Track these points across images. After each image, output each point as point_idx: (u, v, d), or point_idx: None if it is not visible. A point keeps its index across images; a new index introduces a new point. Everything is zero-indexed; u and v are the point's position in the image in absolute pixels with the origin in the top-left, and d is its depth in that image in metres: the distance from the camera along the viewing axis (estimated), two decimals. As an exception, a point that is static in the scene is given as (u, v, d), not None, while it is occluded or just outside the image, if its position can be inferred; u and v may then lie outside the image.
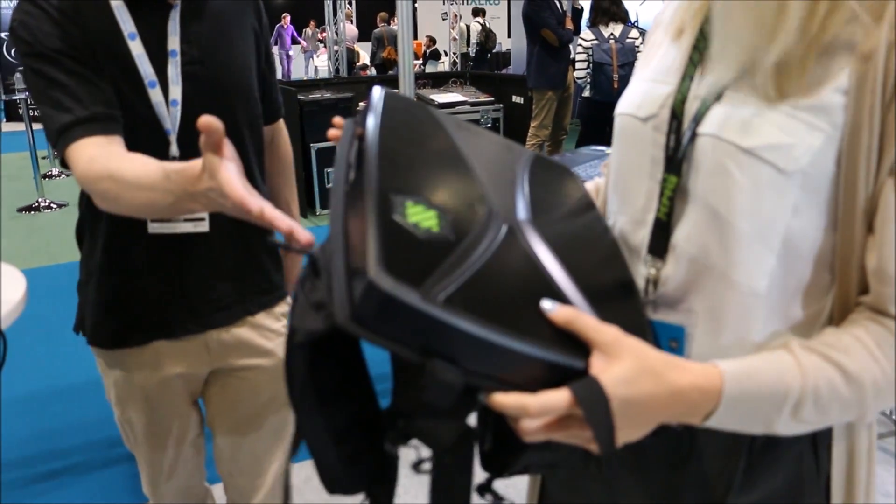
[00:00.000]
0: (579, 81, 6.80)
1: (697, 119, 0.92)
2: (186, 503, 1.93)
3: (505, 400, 0.73)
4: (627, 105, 1.05)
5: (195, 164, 1.15)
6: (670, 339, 0.95)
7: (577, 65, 6.69)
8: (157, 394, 1.74)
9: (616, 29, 6.50)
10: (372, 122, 0.88)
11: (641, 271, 0.99)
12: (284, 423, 1.88)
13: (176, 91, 1.55)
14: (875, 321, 0.86)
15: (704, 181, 0.91)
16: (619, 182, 1.05)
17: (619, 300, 0.89)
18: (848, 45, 0.85)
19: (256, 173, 1.74)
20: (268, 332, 1.81)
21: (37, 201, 7.89)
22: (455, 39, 16.24)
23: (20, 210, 7.79)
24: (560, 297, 0.80)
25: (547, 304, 0.76)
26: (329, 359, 0.84)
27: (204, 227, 1.62)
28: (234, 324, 1.75)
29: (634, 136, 1.02)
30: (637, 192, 1.01)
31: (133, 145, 1.48)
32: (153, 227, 1.59)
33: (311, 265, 0.83)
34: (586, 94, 6.73)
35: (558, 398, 0.73)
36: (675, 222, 0.95)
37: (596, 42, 6.47)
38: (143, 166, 1.31)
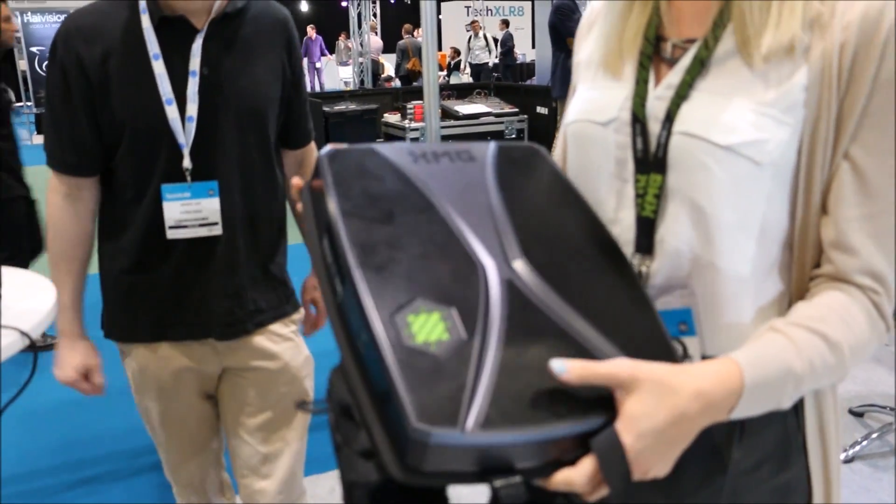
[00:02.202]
0: None
1: (669, 119, 0.96)
2: (204, 489, 2.00)
3: (556, 482, 0.77)
4: (580, 112, 1.08)
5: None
6: (679, 323, 0.98)
7: None
8: (169, 385, 1.83)
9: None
10: (334, 207, 0.85)
11: None
12: (291, 425, 1.93)
13: (192, 108, 1.67)
14: (838, 289, 0.94)
15: (685, 178, 0.95)
16: (582, 187, 1.06)
17: (634, 317, 0.88)
18: (806, 46, 0.92)
19: (261, 193, 1.80)
20: (275, 337, 1.87)
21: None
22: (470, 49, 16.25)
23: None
24: (576, 344, 0.81)
25: (556, 367, 0.77)
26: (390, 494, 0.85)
27: (218, 230, 1.72)
28: (235, 338, 1.81)
29: (593, 140, 1.05)
30: (605, 193, 1.04)
31: (149, 157, 1.67)
32: (171, 234, 1.69)
33: (342, 410, 0.84)
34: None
35: (589, 465, 0.77)
36: (658, 219, 0.99)
37: None
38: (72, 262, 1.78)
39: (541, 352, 0.79)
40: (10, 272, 1.84)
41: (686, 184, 0.95)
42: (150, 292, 1.75)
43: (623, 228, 1.02)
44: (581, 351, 0.80)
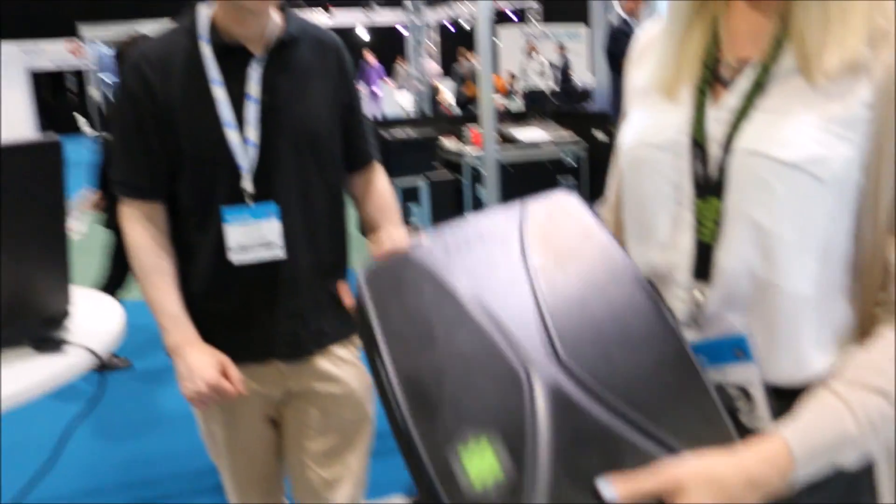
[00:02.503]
0: None
1: (729, 139, 0.96)
2: None
3: None
4: (636, 136, 1.07)
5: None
6: (735, 350, 0.97)
7: None
8: (234, 409, 1.84)
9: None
10: (377, 333, 0.89)
11: (679, 295, 1.01)
12: (354, 450, 1.94)
13: (252, 132, 1.72)
14: None
15: (745, 197, 0.94)
16: (638, 212, 1.07)
17: (689, 402, 0.87)
18: (867, 62, 0.91)
19: (322, 216, 1.83)
20: (337, 360, 1.89)
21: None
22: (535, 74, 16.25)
23: (117, 245, 8.05)
24: (629, 446, 0.82)
25: (607, 494, 0.79)
26: None
27: (280, 253, 1.75)
28: (298, 359, 1.83)
29: (650, 164, 1.04)
30: (660, 218, 1.04)
31: (210, 179, 1.72)
32: (234, 256, 1.73)
33: None
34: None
35: None
36: (716, 243, 0.98)
37: None
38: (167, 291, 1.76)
39: (591, 461, 0.81)
40: (79, 292, 1.89)
41: (746, 203, 0.94)
42: (219, 316, 1.78)
43: (680, 254, 1.01)
44: (633, 450, 0.82)
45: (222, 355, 1.76)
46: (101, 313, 1.91)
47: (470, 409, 0.83)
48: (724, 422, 0.86)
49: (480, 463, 0.80)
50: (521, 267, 0.94)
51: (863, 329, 0.97)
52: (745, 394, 0.96)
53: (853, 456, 0.90)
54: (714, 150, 0.97)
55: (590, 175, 8.00)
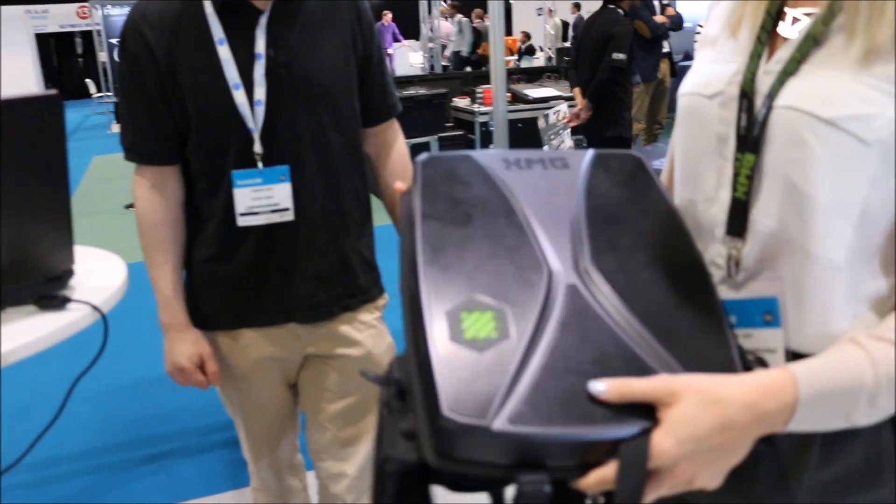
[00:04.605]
0: None
1: (772, 94, 0.92)
2: (279, 470, 2.02)
3: (589, 484, 0.76)
4: (691, 85, 1.05)
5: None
6: (764, 313, 0.94)
7: None
8: (250, 374, 1.83)
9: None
10: (417, 210, 0.90)
11: (720, 250, 0.99)
12: (371, 411, 1.92)
13: (260, 92, 1.65)
14: None
15: (782, 154, 0.90)
16: (686, 161, 1.05)
17: (702, 333, 0.85)
18: None
19: (342, 175, 1.77)
20: (359, 324, 1.85)
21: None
22: (551, 34, 16.14)
23: (127, 207, 8.10)
24: (630, 353, 0.81)
25: (595, 388, 0.77)
26: (418, 482, 0.87)
27: (290, 216, 1.69)
28: (317, 322, 1.80)
29: (700, 114, 1.01)
30: (706, 170, 1.01)
31: (219, 143, 1.65)
32: (242, 221, 1.68)
33: (397, 390, 0.88)
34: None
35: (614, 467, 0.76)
36: (752, 199, 0.95)
37: None
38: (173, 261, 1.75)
39: (591, 357, 0.80)
40: (84, 250, 1.90)
41: (783, 161, 0.90)
42: (231, 280, 1.75)
43: (720, 208, 0.99)
44: (633, 360, 0.80)
45: (204, 345, 1.78)
46: (105, 270, 1.91)
47: (484, 282, 0.83)
48: (735, 362, 0.83)
49: (478, 324, 0.80)
50: (575, 193, 0.95)
51: None
52: (764, 365, 0.93)
53: (866, 411, 0.84)
54: (759, 103, 0.93)
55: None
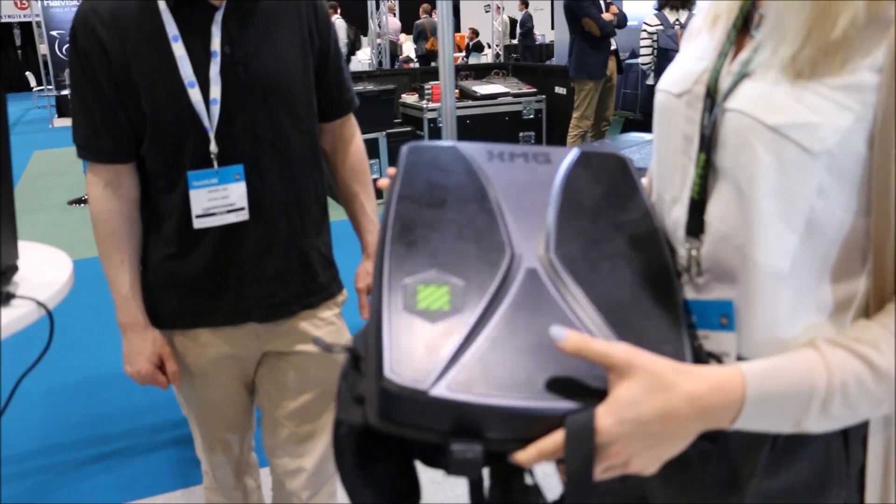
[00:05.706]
0: (644, 68, 6.74)
1: (727, 95, 0.91)
2: (233, 470, 2.00)
3: (527, 457, 0.78)
4: (665, 82, 1.04)
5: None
6: (720, 316, 0.94)
7: (642, 51, 6.65)
8: (208, 373, 1.81)
9: (682, 15, 6.45)
10: (395, 192, 0.95)
11: (681, 252, 0.99)
12: (328, 407, 1.92)
13: (216, 90, 1.62)
14: None
15: (731, 157, 0.90)
16: (658, 159, 1.05)
17: (656, 325, 0.87)
18: (886, 21, 0.81)
19: (301, 172, 1.76)
20: (317, 321, 1.85)
21: (86, 195, 8.01)
22: (499, 31, 16.19)
23: (70, 203, 7.97)
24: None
25: (556, 333, 0.79)
26: (376, 442, 0.90)
27: (244, 215, 1.67)
28: (277, 320, 1.79)
29: (669, 112, 1.01)
30: (673, 169, 1.01)
31: (175, 142, 1.62)
32: (198, 223, 1.66)
33: (353, 359, 0.92)
34: (650, 81, 6.66)
35: (558, 438, 0.78)
36: (708, 201, 0.94)
37: (661, 27, 6.41)
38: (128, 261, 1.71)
39: (540, 337, 0.81)
40: (27, 246, 1.87)
41: (733, 165, 0.89)
42: (189, 279, 1.72)
43: (682, 209, 0.98)
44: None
45: (163, 345, 1.76)
46: (50, 267, 1.89)
47: (446, 260, 0.87)
48: (685, 356, 0.84)
49: (432, 296, 0.83)
50: (553, 187, 0.99)
51: (878, 307, 0.87)
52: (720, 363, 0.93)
53: (818, 418, 0.82)
54: (719, 103, 0.92)
55: (547, 127, 8.26)
